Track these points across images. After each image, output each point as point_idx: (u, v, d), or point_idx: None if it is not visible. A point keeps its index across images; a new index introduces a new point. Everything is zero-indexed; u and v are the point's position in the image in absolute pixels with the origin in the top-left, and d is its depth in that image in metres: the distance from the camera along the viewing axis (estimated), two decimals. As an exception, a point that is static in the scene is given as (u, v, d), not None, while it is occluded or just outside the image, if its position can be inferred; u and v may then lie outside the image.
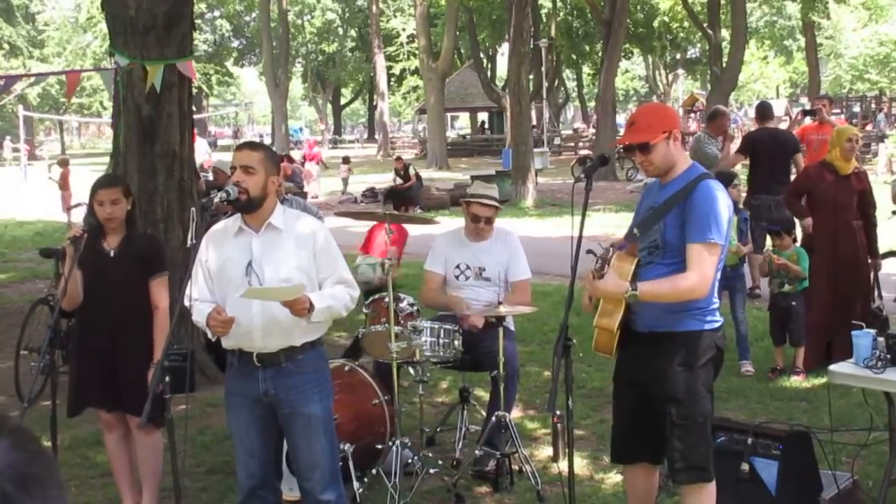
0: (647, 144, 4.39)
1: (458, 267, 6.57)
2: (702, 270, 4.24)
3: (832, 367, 5.17)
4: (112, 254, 5.32)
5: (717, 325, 4.46)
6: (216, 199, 4.34)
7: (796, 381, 8.03)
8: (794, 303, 8.23)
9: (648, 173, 4.55)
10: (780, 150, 10.68)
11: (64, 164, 21.92)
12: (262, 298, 4.32)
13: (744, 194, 9.74)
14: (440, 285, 6.67)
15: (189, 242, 4.40)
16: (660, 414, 4.45)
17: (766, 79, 68.21)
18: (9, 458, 0.86)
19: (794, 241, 8.40)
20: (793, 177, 10.73)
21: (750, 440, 5.16)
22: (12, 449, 0.87)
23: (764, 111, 11.55)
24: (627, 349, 4.46)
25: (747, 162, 10.91)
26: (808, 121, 12.71)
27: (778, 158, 10.63)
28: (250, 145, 4.65)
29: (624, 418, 4.74)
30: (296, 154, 33.98)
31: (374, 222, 9.53)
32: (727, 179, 8.49)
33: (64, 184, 21.21)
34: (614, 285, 4.22)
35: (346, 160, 31.33)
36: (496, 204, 6.59)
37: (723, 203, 4.31)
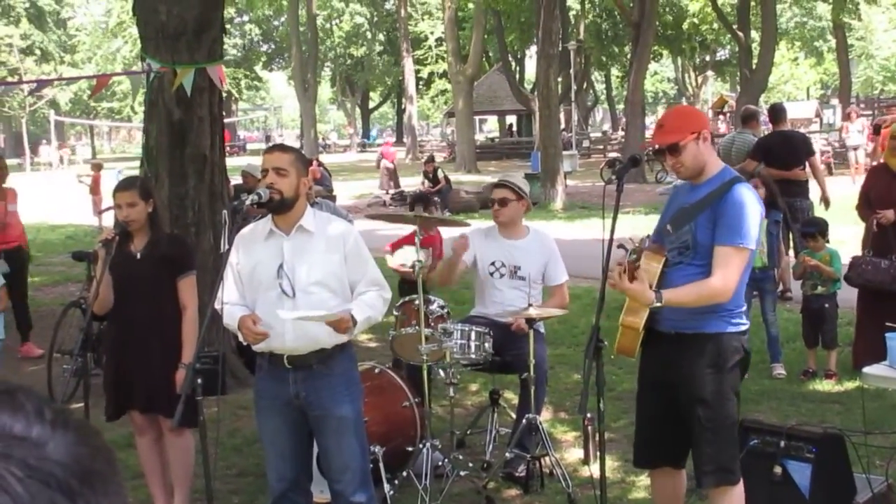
0: (677, 145, 4.36)
1: (492, 264, 6.51)
2: (726, 274, 4.21)
3: (866, 370, 5.12)
4: (139, 256, 5.33)
5: (743, 327, 4.44)
6: (247, 202, 4.36)
7: (829, 383, 7.96)
8: (826, 304, 8.15)
9: (680, 175, 4.51)
10: (792, 153, 10.59)
11: (97, 168, 22.12)
12: (307, 320, 4.34)
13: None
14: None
15: (223, 247, 4.42)
16: (685, 416, 4.42)
17: (796, 80, 67.65)
18: (74, 452, 0.86)
19: (827, 242, 8.32)
20: (811, 180, 10.86)
21: (783, 442, 5.11)
22: (77, 443, 0.88)
23: (776, 114, 11.38)
24: (651, 350, 4.42)
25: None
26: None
27: (791, 162, 10.53)
28: (281, 147, 4.66)
29: (647, 422, 4.70)
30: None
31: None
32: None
33: (95, 188, 21.42)
34: (641, 292, 4.16)
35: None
36: (512, 186, 6.52)
37: (755, 208, 4.30)
